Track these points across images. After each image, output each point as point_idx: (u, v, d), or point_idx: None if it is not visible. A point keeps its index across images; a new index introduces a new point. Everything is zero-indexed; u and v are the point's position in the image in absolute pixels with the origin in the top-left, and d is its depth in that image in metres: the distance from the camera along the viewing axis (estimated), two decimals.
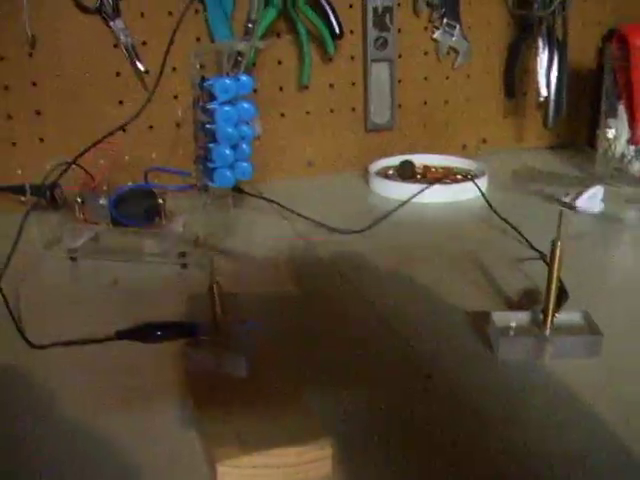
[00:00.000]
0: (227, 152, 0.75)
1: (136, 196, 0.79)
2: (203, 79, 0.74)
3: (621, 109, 1.02)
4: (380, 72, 1.10)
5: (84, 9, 0.93)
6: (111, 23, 0.94)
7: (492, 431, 0.50)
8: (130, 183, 0.80)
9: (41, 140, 0.96)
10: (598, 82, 1.09)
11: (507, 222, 0.87)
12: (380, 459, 0.47)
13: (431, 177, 1.04)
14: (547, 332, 0.59)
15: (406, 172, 1.05)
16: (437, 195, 0.99)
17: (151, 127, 1.00)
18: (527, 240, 0.82)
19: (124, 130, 0.81)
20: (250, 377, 0.54)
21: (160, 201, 0.78)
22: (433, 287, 0.72)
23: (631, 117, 1.00)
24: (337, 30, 1.01)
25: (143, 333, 0.61)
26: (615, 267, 0.80)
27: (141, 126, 0.96)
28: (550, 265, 0.58)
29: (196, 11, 0.97)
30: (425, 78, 1.14)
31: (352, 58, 1.09)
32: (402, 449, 0.48)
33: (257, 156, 0.79)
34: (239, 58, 0.83)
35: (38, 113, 0.95)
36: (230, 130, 0.74)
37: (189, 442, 0.48)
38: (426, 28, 1.11)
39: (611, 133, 1.04)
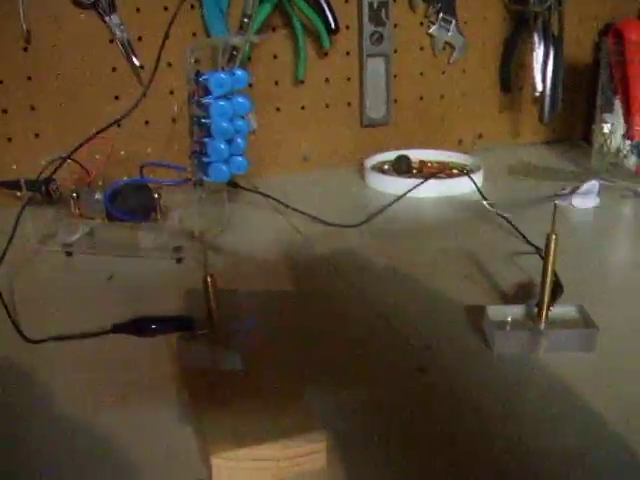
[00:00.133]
0: (222, 146, 0.74)
1: (131, 191, 0.79)
2: (198, 74, 0.74)
3: (617, 104, 1.03)
4: (376, 67, 1.10)
5: (80, 4, 0.93)
6: (107, 18, 0.94)
7: (492, 429, 0.50)
8: (125, 178, 0.80)
9: (36, 135, 0.96)
10: (594, 77, 1.09)
11: (503, 217, 0.87)
12: (380, 458, 0.47)
13: (427, 172, 1.05)
14: (542, 326, 0.59)
15: (402, 167, 1.05)
16: (433, 190, 0.99)
17: (147, 122, 1.00)
18: (523, 235, 0.82)
19: (119, 125, 0.81)
20: (247, 372, 0.54)
21: (155, 196, 0.78)
22: (428, 281, 0.72)
23: (627, 112, 1.00)
24: (333, 25, 1.01)
25: (138, 327, 0.61)
26: (610, 262, 0.80)
27: (136, 121, 0.96)
28: (545, 259, 0.58)
29: (192, 6, 0.97)
30: (421, 73, 1.14)
31: (348, 53, 1.09)
32: (402, 449, 0.48)
33: (252, 151, 0.79)
34: (234, 52, 0.83)
35: (33, 108, 0.95)
36: (225, 124, 0.74)
37: (186, 437, 0.48)
38: (422, 23, 1.11)
39: (607, 128, 1.05)
